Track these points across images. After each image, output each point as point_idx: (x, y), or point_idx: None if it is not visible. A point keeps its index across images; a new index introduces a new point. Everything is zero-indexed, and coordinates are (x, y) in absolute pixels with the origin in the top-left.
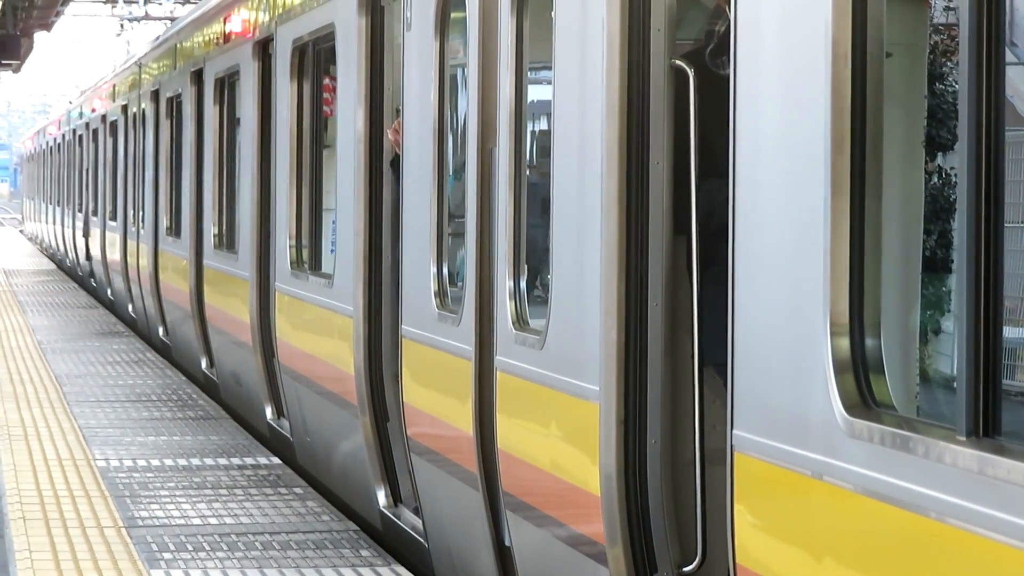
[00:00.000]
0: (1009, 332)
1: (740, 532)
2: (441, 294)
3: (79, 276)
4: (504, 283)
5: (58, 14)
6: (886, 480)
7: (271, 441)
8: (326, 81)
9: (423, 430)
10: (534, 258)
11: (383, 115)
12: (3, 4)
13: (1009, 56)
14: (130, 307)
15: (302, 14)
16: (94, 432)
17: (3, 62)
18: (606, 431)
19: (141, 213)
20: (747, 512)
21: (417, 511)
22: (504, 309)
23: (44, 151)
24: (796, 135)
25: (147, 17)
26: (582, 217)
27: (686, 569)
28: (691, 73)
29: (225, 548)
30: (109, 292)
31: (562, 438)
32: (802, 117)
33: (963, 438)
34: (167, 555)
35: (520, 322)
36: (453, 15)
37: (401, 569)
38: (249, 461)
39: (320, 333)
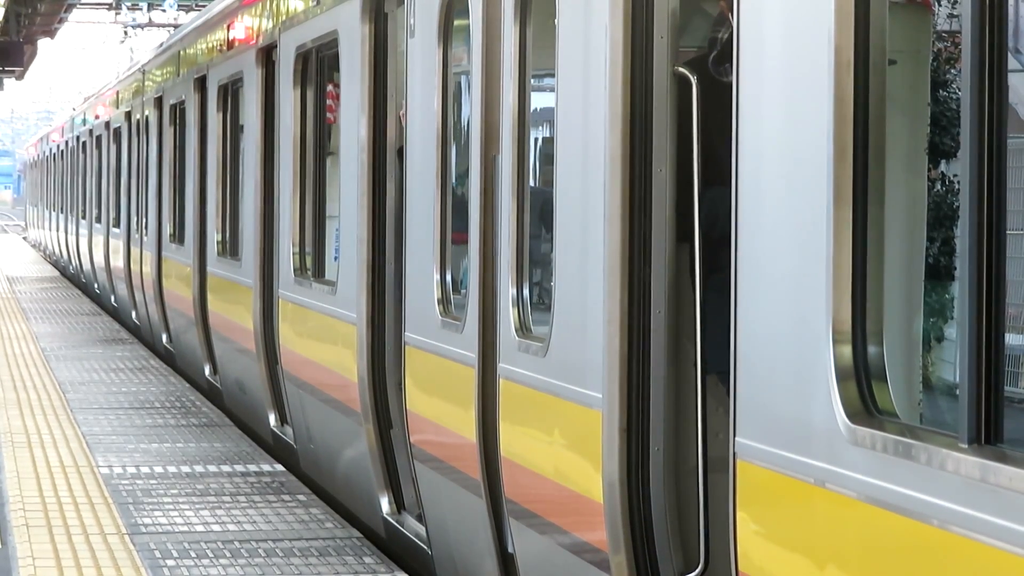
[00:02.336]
0: (1011, 339)
1: (743, 539)
2: (444, 301)
3: (82, 283)
4: (507, 290)
5: (61, 21)
6: (888, 487)
7: (275, 448)
8: (329, 88)
9: (426, 437)
10: (537, 265)
11: (387, 122)
12: (6, 11)
13: (1012, 63)
14: (133, 314)
15: (305, 21)
16: (97, 439)
17: (6, 69)
18: (609, 438)
19: (144, 220)
20: (750, 519)
21: (420, 518)
22: (507, 316)
23: (47, 158)
24: (799, 143)
25: (150, 24)
26: (585, 224)
27: None
28: (694, 80)
29: (228, 555)
30: (113, 299)
31: (565, 445)
32: (805, 125)
33: (965, 445)
34: (170, 562)
35: (523, 329)
36: (456, 22)
37: None
38: (252, 468)
39: (323, 340)
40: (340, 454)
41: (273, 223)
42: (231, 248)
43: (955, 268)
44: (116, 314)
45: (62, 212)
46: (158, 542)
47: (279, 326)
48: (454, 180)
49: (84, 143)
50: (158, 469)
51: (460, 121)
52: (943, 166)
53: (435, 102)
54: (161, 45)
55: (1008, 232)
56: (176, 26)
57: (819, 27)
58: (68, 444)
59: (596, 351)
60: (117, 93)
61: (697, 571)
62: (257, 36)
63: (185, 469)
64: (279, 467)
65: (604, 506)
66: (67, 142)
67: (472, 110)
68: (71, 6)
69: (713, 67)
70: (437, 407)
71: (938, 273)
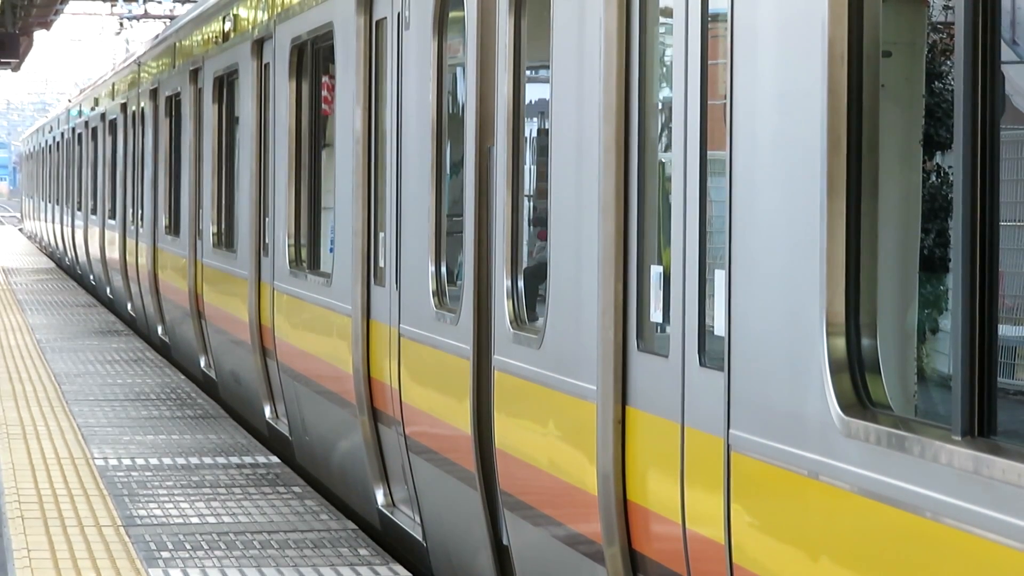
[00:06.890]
0: (1004, 331)
1: (736, 531)
2: (439, 293)
3: (78, 274)
4: (502, 282)
5: (57, 12)
6: (882, 480)
7: (270, 440)
8: (325, 80)
9: (421, 429)
10: (532, 257)
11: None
12: (3, 2)
13: (1007, 54)
14: (129, 306)
15: (301, 13)
16: (93, 431)
17: (2, 60)
18: (603, 430)
19: (140, 211)
20: (743, 511)
21: (415, 510)
22: (502, 308)
23: (43, 149)
24: (792, 135)
25: (146, 16)
26: (579, 216)
27: None
28: None
29: (223, 547)
30: (108, 291)
31: (560, 437)
32: (798, 117)
33: (958, 438)
34: (165, 554)
35: (518, 321)
36: (451, 14)
37: (399, 568)
38: (248, 460)
39: (318, 332)
40: (335, 446)
41: (268, 215)
42: (226, 240)
43: (949, 260)
44: (111, 306)
45: (58, 204)
46: (153, 534)
47: (274, 318)
48: (449, 171)
49: (80, 135)
50: (153, 461)
51: (455, 113)
52: (937, 158)
53: (430, 94)
54: (157, 37)
55: (1002, 224)
56: (172, 18)
57: (813, 19)
58: (63, 436)
59: (591, 343)
60: (113, 85)
61: None
62: (252, 28)
63: (180, 461)
64: (274, 459)
65: (598, 498)
66: (63, 134)
67: (467, 102)
68: None
69: None
70: (432, 399)
71: (932, 265)
